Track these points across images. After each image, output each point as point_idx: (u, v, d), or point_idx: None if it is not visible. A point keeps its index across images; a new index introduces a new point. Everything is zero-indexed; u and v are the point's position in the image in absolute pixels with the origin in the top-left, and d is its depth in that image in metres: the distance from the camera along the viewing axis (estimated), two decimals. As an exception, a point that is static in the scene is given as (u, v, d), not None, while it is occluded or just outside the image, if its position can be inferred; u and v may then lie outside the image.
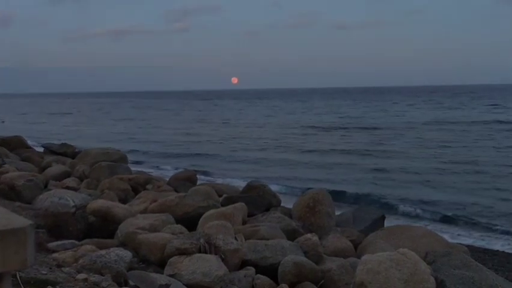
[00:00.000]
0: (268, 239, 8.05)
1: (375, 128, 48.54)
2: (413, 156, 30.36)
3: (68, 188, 11.99)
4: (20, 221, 1.73)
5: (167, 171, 24.14)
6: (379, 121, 56.56)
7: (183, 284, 6.06)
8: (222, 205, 10.63)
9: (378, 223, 11.67)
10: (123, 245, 7.52)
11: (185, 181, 14.70)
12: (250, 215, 10.51)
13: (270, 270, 7.15)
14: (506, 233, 15.52)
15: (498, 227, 15.91)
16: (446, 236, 11.76)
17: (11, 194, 10.89)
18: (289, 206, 11.95)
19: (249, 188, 13.20)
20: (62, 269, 5.52)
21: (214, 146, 38.04)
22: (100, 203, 9.37)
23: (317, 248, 7.82)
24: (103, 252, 6.13)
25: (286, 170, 26.78)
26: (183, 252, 6.62)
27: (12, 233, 1.64)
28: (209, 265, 6.35)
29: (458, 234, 15.40)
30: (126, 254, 6.26)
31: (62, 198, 9.76)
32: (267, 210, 11.42)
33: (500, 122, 51.51)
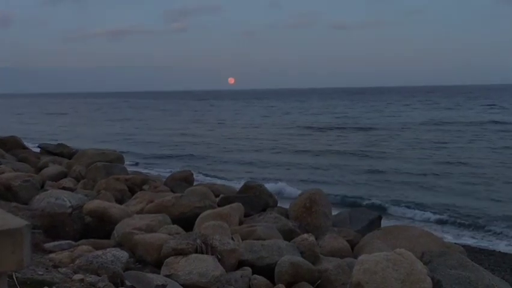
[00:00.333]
0: (264, 239, 8.05)
1: (371, 129, 48.62)
2: (409, 157, 30.39)
3: (64, 188, 11.97)
4: (16, 221, 1.73)
5: (164, 172, 24.14)
6: (375, 121, 56.66)
7: (180, 285, 6.05)
8: (219, 205, 10.64)
9: (375, 223, 11.68)
10: (119, 245, 7.51)
11: (181, 181, 14.69)
12: (246, 215, 10.51)
13: (267, 271, 7.15)
14: (502, 233, 15.57)
15: (494, 227, 15.95)
16: (442, 236, 11.80)
17: (8, 194, 10.87)
18: (286, 206, 11.96)
19: (246, 188, 13.20)
20: (59, 269, 5.52)
21: (209, 147, 38.05)
22: (96, 204, 9.35)
23: (314, 248, 7.83)
24: (100, 252, 6.12)
25: (282, 171, 26.79)
26: (180, 253, 6.62)
27: (8, 233, 1.64)
28: (206, 265, 6.35)
29: (455, 234, 15.44)
30: (122, 255, 6.25)
31: (58, 198, 9.75)
32: (264, 210, 11.42)
33: (496, 122, 51.61)
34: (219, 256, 6.71)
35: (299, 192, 14.34)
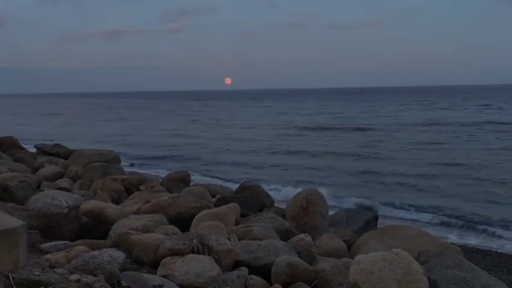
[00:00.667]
0: (261, 240, 8.05)
1: (367, 129, 48.64)
2: (404, 157, 30.41)
3: (61, 188, 11.95)
4: (12, 221, 1.73)
5: (160, 172, 24.13)
6: (371, 122, 56.71)
7: (176, 285, 6.05)
8: (215, 206, 10.64)
9: (371, 223, 11.71)
10: (116, 245, 7.50)
11: (178, 182, 14.70)
12: (243, 215, 10.52)
13: (263, 271, 7.15)
14: (499, 233, 15.60)
15: (491, 228, 15.98)
16: (438, 236, 11.81)
17: (4, 194, 10.85)
18: (283, 206, 11.97)
19: (242, 188, 13.20)
20: (55, 269, 5.51)
21: (205, 147, 38.02)
22: (92, 204, 9.34)
23: (310, 248, 7.83)
24: (96, 253, 6.11)
25: (277, 172, 26.79)
26: (176, 253, 6.61)
27: (4, 233, 1.63)
28: (202, 266, 6.35)
29: (451, 235, 15.47)
30: (119, 255, 6.24)
31: (55, 198, 9.73)
32: (260, 210, 11.43)
33: (492, 122, 51.71)
34: (216, 256, 6.71)
35: (296, 191, 14.33)
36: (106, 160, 16.12)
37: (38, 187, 12.54)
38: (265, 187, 14.16)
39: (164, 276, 6.20)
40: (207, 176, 25.39)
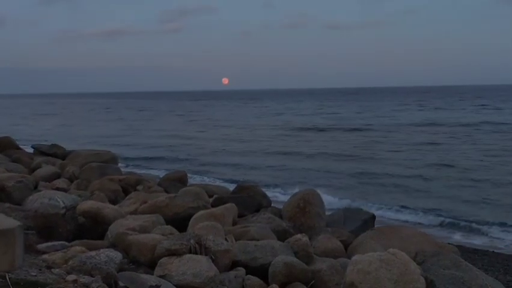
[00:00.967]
0: (258, 240, 8.07)
1: (364, 130, 48.64)
2: (401, 158, 30.38)
3: (58, 189, 11.94)
4: (8, 222, 1.73)
5: (158, 172, 24.12)
6: (368, 122, 56.74)
7: (173, 285, 6.05)
8: (212, 206, 10.65)
9: (369, 223, 11.70)
10: (113, 246, 7.50)
11: (175, 182, 14.70)
12: (240, 215, 10.53)
13: (261, 271, 7.16)
14: (496, 233, 15.62)
15: (488, 228, 16.00)
16: (435, 237, 11.82)
17: (1, 195, 10.85)
18: (280, 206, 11.98)
19: (240, 188, 13.22)
20: (52, 270, 5.50)
21: (202, 148, 37.99)
22: (90, 204, 9.34)
23: (307, 248, 7.84)
24: (93, 253, 6.11)
25: (273, 173, 26.77)
26: (173, 253, 6.61)
27: (1, 234, 1.63)
28: (199, 266, 6.35)
29: (448, 235, 15.48)
30: (116, 255, 6.24)
31: (52, 199, 9.72)
32: (258, 210, 11.45)
33: (489, 123, 51.77)
34: (213, 257, 6.71)
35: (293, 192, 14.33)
36: (103, 160, 16.12)
37: (35, 187, 12.54)
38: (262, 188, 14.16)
39: (161, 277, 6.20)
40: (204, 176, 25.36)
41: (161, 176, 17.07)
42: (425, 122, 54.43)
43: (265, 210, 11.45)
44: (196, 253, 6.65)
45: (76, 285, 4.96)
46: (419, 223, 16.76)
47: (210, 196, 12.27)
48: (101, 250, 6.33)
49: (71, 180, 14.19)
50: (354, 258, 6.32)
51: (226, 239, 7.68)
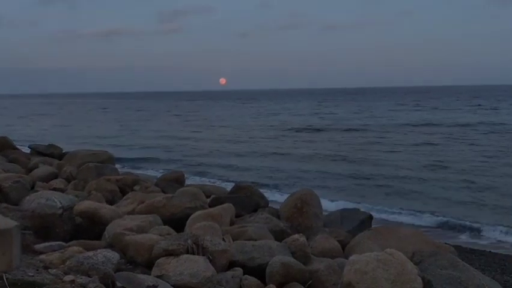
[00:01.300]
0: (256, 240, 8.07)
1: (361, 130, 48.64)
2: (396, 159, 30.37)
3: (55, 189, 11.93)
4: (6, 222, 1.72)
5: (155, 173, 24.09)
6: (364, 122, 56.75)
7: (171, 285, 6.05)
8: (210, 206, 10.64)
9: (366, 223, 11.71)
10: (110, 246, 7.49)
11: (173, 182, 14.68)
12: (237, 215, 10.52)
13: (258, 271, 7.16)
14: (493, 233, 15.64)
15: (485, 228, 16.01)
16: (432, 237, 11.83)
17: (-2, 195, 10.83)
18: (277, 207, 11.97)
19: (237, 188, 13.21)
20: (49, 270, 5.50)
21: (198, 148, 37.97)
22: (87, 204, 9.33)
23: (305, 248, 7.84)
24: (90, 253, 6.10)
25: (269, 174, 26.75)
26: (171, 253, 6.61)
27: (-2, 234, 1.63)
28: (197, 266, 6.35)
29: (446, 235, 15.49)
30: (113, 256, 6.24)
31: (49, 199, 9.71)
32: (255, 211, 11.44)
33: (485, 123, 51.82)
34: (210, 257, 6.71)
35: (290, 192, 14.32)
36: (100, 161, 16.10)
37: (32, 188, 12.52)
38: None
39: (158, 277, 6.20)
40: (202, 176, 25.34)
41: (158, 176, 17.04)
42: (422, 122, 54.45)
43: (263, 210, 11.45)
44: (194, 253, 6.65)
45: (73, 285, 4.95)
46: (415, 224, 16.75)
47: (207, 196, 12.26)
48: (99, 250, 6.32)
49: (68, 180, 14.17)
50: (351, 258, 6.32)
51: (223, 239, 7.68)
